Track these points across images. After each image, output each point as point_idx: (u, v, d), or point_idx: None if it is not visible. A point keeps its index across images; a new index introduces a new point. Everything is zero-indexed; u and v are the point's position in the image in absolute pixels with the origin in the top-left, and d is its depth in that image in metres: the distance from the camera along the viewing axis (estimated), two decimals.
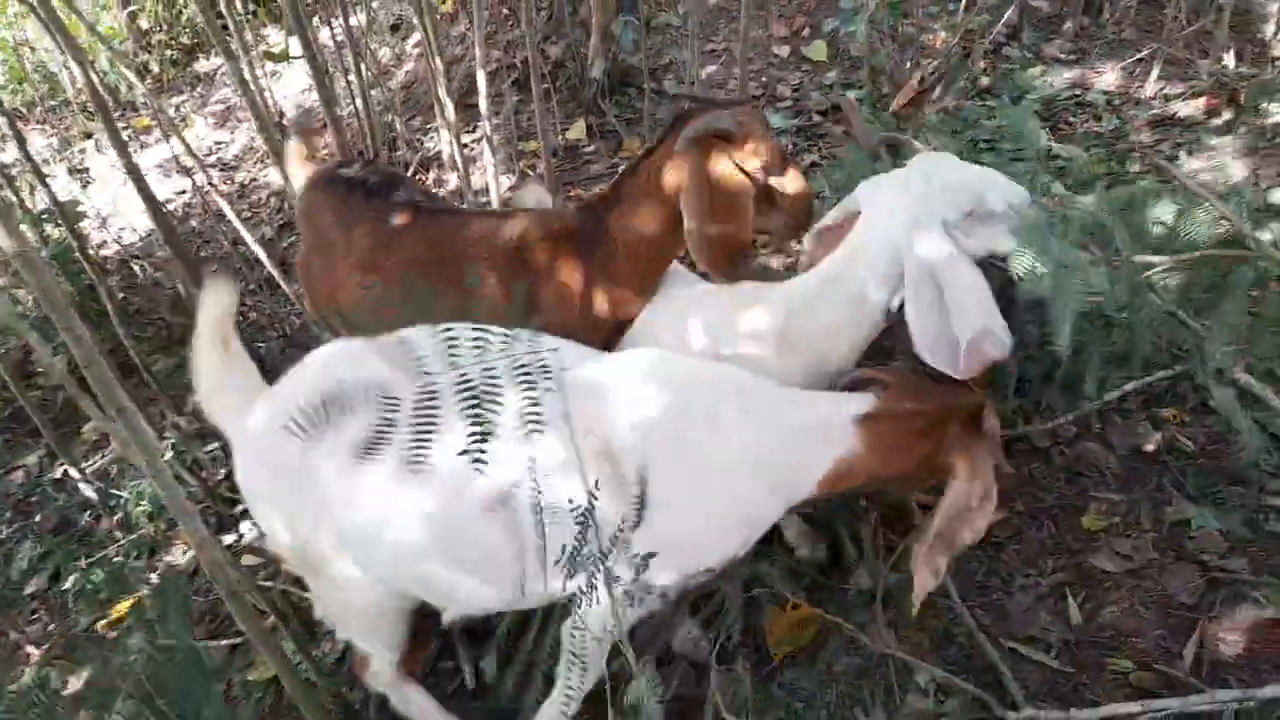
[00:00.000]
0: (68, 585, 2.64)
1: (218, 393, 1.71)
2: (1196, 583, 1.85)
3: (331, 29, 4.21)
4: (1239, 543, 1.90)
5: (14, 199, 3.18)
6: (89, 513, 2.91)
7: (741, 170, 1.88)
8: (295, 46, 4.17)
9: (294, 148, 2.46)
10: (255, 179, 4.88)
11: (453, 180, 3.98)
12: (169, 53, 6.05)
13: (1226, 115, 3.38)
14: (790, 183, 1.93)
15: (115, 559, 2.67)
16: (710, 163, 1.86)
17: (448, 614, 1.67)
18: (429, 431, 1.47)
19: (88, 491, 2.79)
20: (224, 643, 2.29)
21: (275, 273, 3.19)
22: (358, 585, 1.63)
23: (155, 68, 5.99)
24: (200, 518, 1.42)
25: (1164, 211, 1.90)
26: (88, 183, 4.18)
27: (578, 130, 4.24)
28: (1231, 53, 3.58)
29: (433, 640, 2.12)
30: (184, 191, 4.79)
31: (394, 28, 5.40)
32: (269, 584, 2.36)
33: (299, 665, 1.91)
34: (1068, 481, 2.14)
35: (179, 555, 2.65)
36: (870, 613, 1.93)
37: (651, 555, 1.40)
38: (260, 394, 1.67)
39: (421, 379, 1.53)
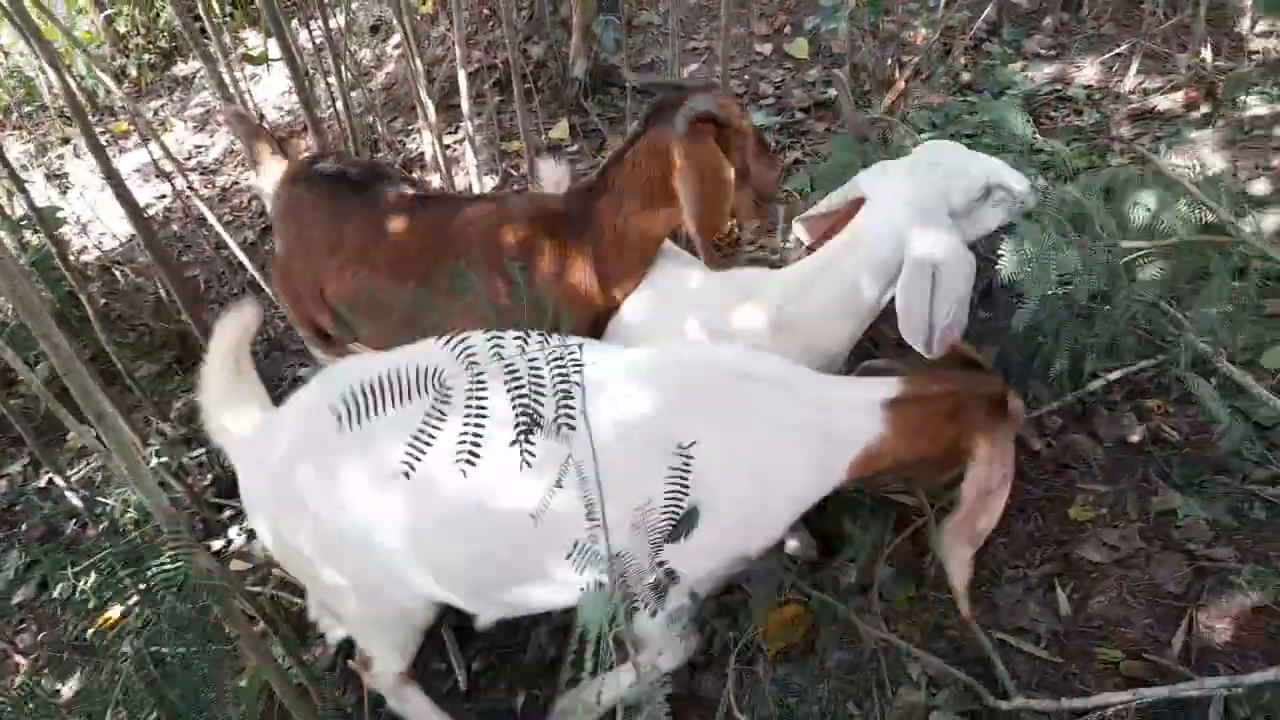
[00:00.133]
0: (55, 594, 2.62)
1: (225, 412, 1.69)
2: (1184, 571, 1.87)
3: (310, 31, 4.18)
4: (1225, 531, 1.91)
5: None
6: (75, 521, 2.88)
7: (725, 150, 1.92)
8: (274, 49, 4.14)
9: (261, 148, 2.43)
10: (236, 182, 4.85)
11: (435, 181, 3.96)
12: (147, 56, 6.00)
13: (1205, 108, 3.41)
14: (763, 160, 2.01)
15: (103, 567, 2.64)
16: (702, 145, 1.90)
17: (484, 617, 1.65)
18: (479, 426, 1.43)
19: (73, 499, 2.76)
20: (213, 649, 2.27)
21: (258, 276, 3.17)
22: (384, 594, 1.60)
23: (133, 72, 5.94)
24: (185, 524, 1.41)
25: (1144, 199, 1.92)
26: (66, 188, 4.14)
27: (561, 130, 4.23)
28: (1209, 47, 3.61)
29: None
30: (164, 196, 4.75)
31: (374, 29, 5.37)
32: (258, 589, 2.35)
33: (290, 670, 1.90)
34: (1054, 473, 2.15)
35: (167, 562, 2.62)
36: (866, 601, 1.94)
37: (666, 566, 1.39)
38: (268, 415, 1.66)
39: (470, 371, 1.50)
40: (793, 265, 1.92)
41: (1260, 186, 2.83)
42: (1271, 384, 2.13)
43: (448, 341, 1.23)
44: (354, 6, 5.30)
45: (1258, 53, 3.63)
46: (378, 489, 1.49)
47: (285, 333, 3.37)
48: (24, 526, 2.95)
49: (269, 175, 2.38)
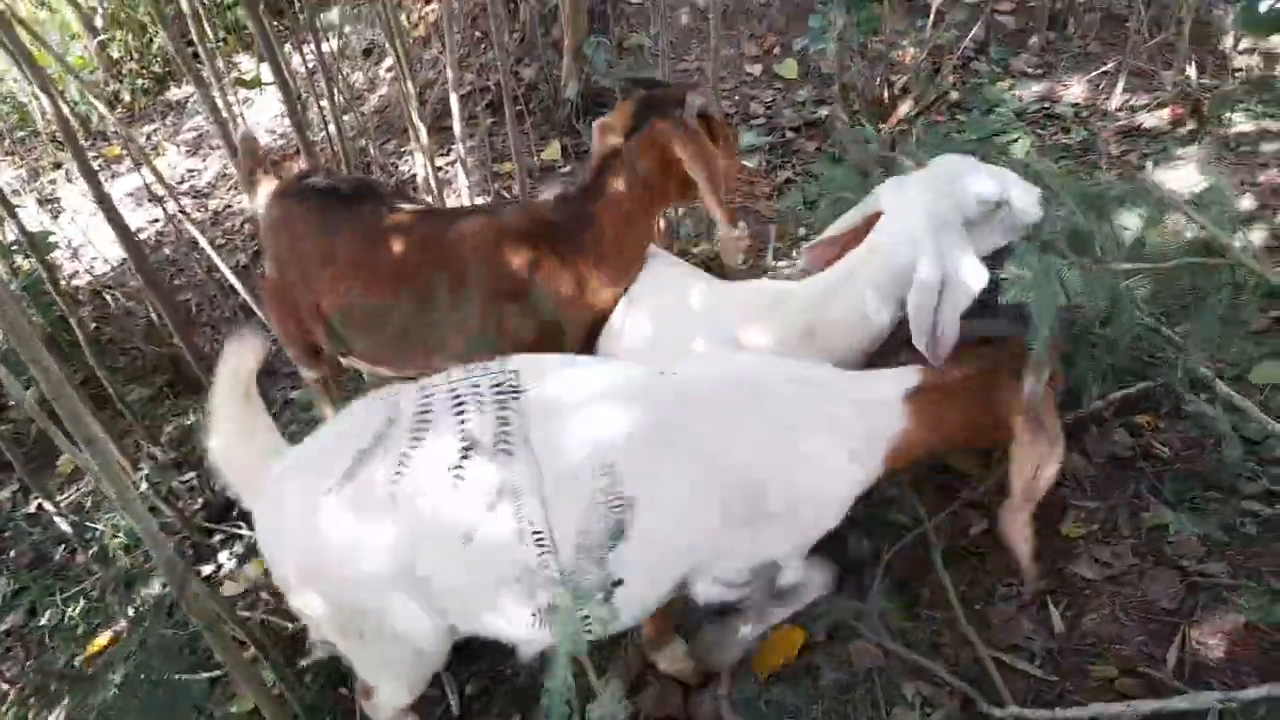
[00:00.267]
0: (44, 621, 2.60)
1: (236, 445, 1.62)
2: (1176, 588, 1.86)
3: (303, 55, 4.20)
4: (1217, 546, 1.91)
5: None
6: (64, 547, 2.86)
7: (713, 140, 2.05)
8: (267, 73, 4.16)
9: (260, 172, 2.44)
10: (229, 206, 4.86)
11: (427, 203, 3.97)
12: (140, 81, 6.02)
13: (1191, 125, 3.44)
14: (731, 150, 2.16)
15: (92, 593, 2.62)
16: (703, 135, 2.02)
17: (530, 648, 1.60)
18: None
19: (63, 525, 2.74)
20: (204, 675, 2.26)
21: (250, 300, 3.16)
22: (406, 634, 1.56)
23: (127, 96, 5.96)
24: (175, 549, 1.40)
25: (1134, 219, 1.94)
26: (58, 213, 4.15)
27: (552, 151, 4.25)
28: (1193, 64, 3.65)
29: None
30: (156, 220, 4.76)
31: (366, 52, 5.40)
32: (248, 614, 2.33)
33: (280, 696, 1.89)
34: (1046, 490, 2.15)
35: (157, 587, 2.61)
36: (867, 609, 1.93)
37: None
38: (277, 450, 1.62)
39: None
40: (815, 276, 1.95)
41: (1246, 202, 2.85)
42: (1260, 399, 2.13)
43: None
44: (346, 30, 5.33)
45: (1241, 70, 3.67)
46: (425, 532, 1.46)
47: (276, 355, 3.37)
48: (12, 553, 2.93)
49: (261, 194, 2.39)
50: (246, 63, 5.82)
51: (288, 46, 4.91)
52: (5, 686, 2.40)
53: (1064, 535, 2.03)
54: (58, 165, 5.37)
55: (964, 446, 1.72)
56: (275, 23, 4.98)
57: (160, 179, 3.12)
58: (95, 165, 3.77)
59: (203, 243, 3.13)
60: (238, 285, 3.14)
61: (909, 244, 1.74)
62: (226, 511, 2.78)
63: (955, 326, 1.67)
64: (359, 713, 1.98)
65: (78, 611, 2.58)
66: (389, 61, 5.03)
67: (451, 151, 3.99)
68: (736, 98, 4.41)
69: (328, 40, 4.50)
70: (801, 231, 3.34)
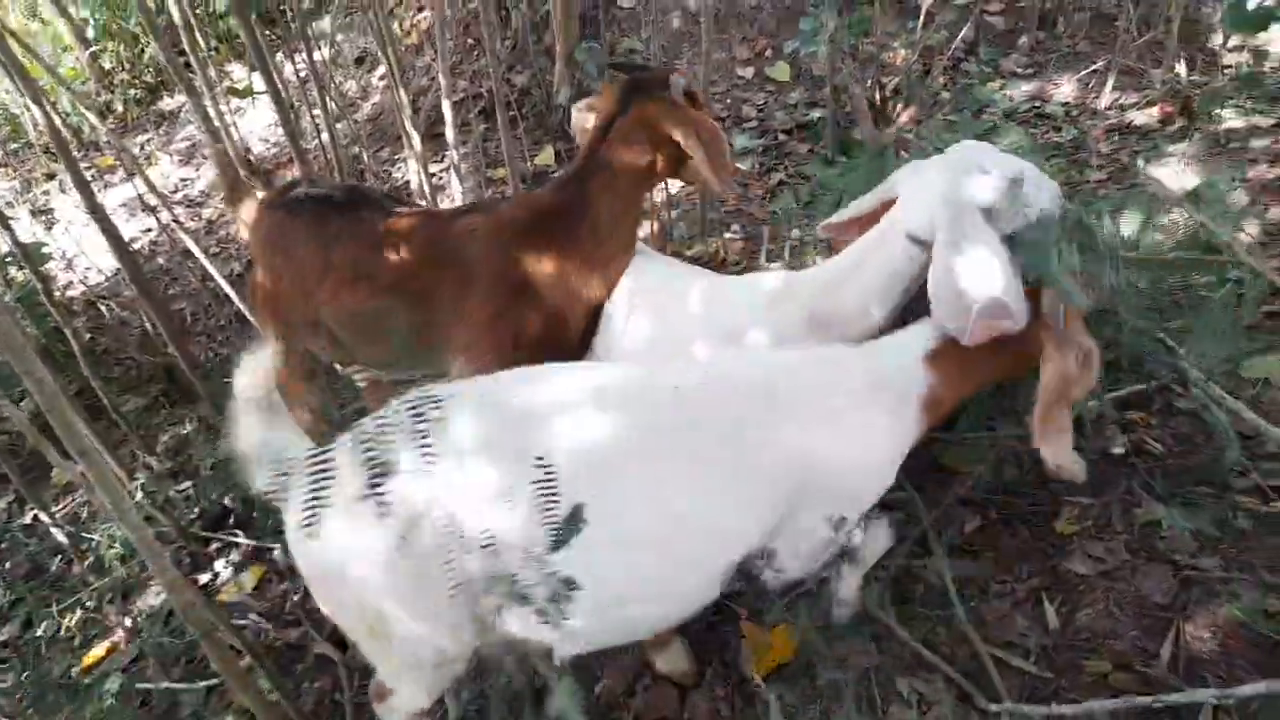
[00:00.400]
0: (40, 632, 2.60)
1: (270, 458, 1.54)
2: (1170, 583, 1.87)
3: (295, 63, 4.21)
4: (1209, 541, 1.92)
5: None
6: (60, 557, 2.86)
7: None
8: (259, 82, 4.17)
9: (240, 186, 2.42)
10: (222, 215, 4.86)
11: None
12: (132, 91, 6.03)
13: (1180, 123, 3.46)
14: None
15: (88, 603, 2.62)
16: (691, 110, 2.09)
17: (561, 649, 1.58)
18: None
19: (59, 536, 2.74)
20: (200, 684, 2.25)
21: (244, 308, 3.17)
22: (442, 637, 1.53)
23: (119, 107, 5.97)
24: (171, 558, 1.40)
25: (1133, 217, 1.95)
26: (52, 224, 4.15)
27: (546, 156, 4.26)
28: (1182, 62, 3.67)
29: None
30: (150, 230, 4.76)
31: (359, 60, 5.42)
32: (244, 623, 2.33)
33: (276, 705, 1.89)
34: (1040, 486, 2.16)
35: (153, 597, 2.61)
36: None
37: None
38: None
39: None
40: (828, 262, 1.95)
41: (1237, 198, 2.86)
42: (1251, 394, 2.14)
43: None
44: (339, 38, 5.34)
45: (1230, 67, 3.69)
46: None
47: None
48: (8, 564, 2.93)
49: (246, 208, 2.38)
50: (239, 72, 5.83)
51: (280, 55, 4.93)
52: (2, 699, 2.40)
53: (1058, 532, 2.04)
54: (51, 176, 5.37)
55: (1001, 380, 1.74)
56: (267, 32, 4.99)
57: (153, 189, 3.12)
58: (88, 176, 3.78)
59: (196, 252, 3.13)
60: (232, 294, 3.14)
61: (925, 227, 1.72)
62: (222, 520, 2.78)
63: (993, 307, 1.60)
64: (369, 716, 1.98)
65: (74, 622, 2.57)
66: (382, 69, 5.05)
67: (445, 158, 4.00)
68: (728, 101, 4.42)
69: (320, 49, 4.51)
70: (795, 234, 3.35)
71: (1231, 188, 2.94)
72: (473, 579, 1.42)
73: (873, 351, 1.72)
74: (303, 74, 4.17)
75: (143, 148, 5.63)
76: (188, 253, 3.80)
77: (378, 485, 1.42)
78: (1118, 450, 2.16)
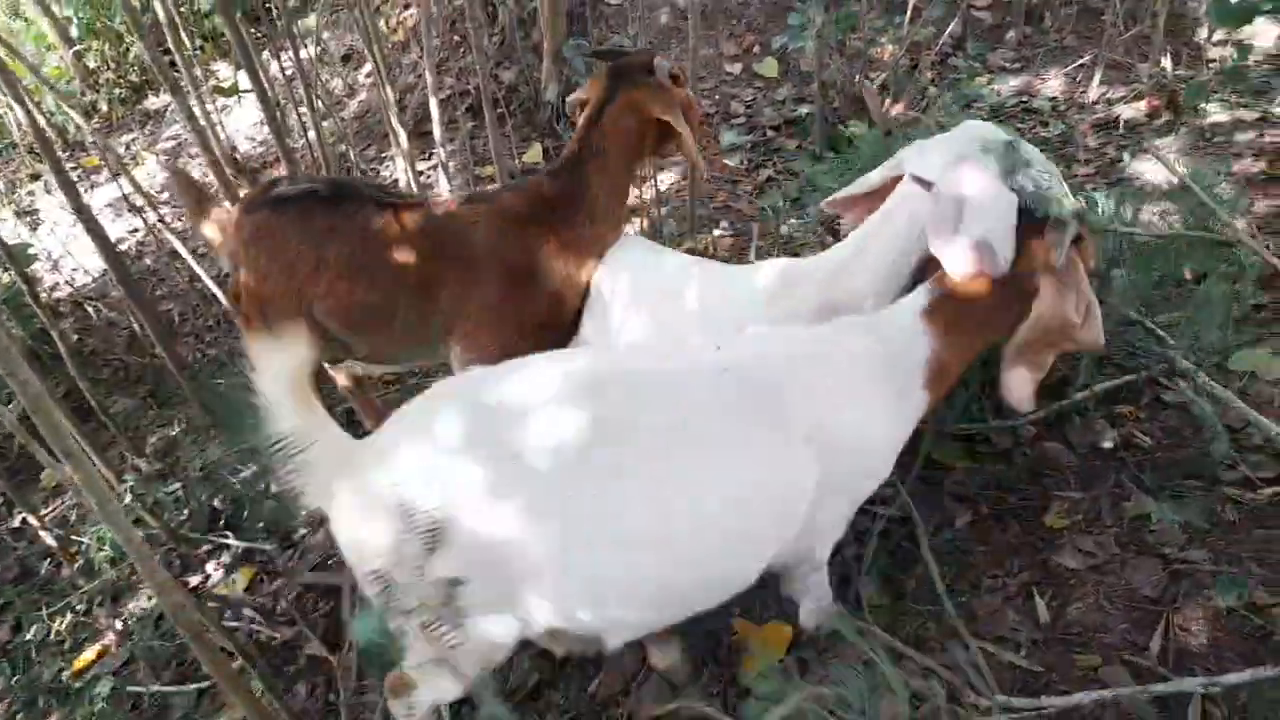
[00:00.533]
0: (30, 635, 2.58)
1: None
2: (1159, 575, 1.88)
3: (281, 62, 4.19)
4: (1198, 534, 1.93)
5: None
6: (49, 560, 2.84)
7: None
8: (245, 80, 4.15)
9: (201, 198, 2.35)
10: None
11: None
12: (117, 91, 5.98)
13: (1167, 116, 3.48)
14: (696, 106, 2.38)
15: (78, 606, 2.61)
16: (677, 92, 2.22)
17: (613, 639, 1.57)
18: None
19: (47, 539, 2.73)
20: (191, 687, 2.25)
21: (232, 309, 3.15)
22: (497, 624, 1.51)
23: (104, 106, 5.92)
24: (161, 560, 1.40)
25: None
26: (37, 224, 4.12)
27: (534, 153, 4.26)
28: (1169, 56, 3.68)
29: None
30: (136, 230, 4.73)
31: (345, 58, 5.39)
32: (235, 624, 2.32)
33: (269, 707, 1.88)
34: (1030, 481, 2.17)
35: (144, 600, 2.60)
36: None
37: None
38: (352, 448, 1.49)
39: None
40: (834, 247, 1.97)
41: (1223, 191, 2.87)
42: (1239, 386, 2.15)
43: None
44: (325, 36, 5.31)
45: (1215, 61, 3.70)
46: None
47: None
48: None
49: (215, 219, 2.29)
50: (224, 70, 5.79)
51: (265, 53, 4.90)
52: None
53: (1048, 526, 2.05)
54: (36, 176, 5.33)
55: (1006, 335, 1.72)
56: (252, 30, 4.97)
57: (139, 189, 3.11)
58: (74, 176, 3.76)
59: (183, 252, 3.12)
60: (220, 295, 3.12)
61: (930, 169, 1.73)
62: (213, 522, 2.77)
63: (991, 244, 1.59)
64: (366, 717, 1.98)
65: (64, 626, 2.56)
66: (368, 67, 5.02)
67: (432, 156, 3.99)
68: (717, 97, 4.42)
69: (306, 47, 4.49)
70: (784, 230, 3.35)
71: (1218, 181, 2.96)
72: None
73: (876, 326, 1.71)
74: (289, 72, 4.14)
75: (128, 147, 5.59)
76: (175, 253, 3.78)
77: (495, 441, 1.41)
78: (1107, 444, 2.18)
